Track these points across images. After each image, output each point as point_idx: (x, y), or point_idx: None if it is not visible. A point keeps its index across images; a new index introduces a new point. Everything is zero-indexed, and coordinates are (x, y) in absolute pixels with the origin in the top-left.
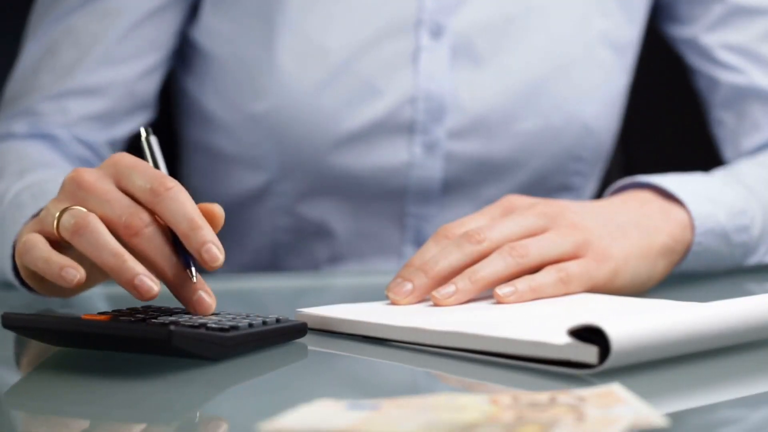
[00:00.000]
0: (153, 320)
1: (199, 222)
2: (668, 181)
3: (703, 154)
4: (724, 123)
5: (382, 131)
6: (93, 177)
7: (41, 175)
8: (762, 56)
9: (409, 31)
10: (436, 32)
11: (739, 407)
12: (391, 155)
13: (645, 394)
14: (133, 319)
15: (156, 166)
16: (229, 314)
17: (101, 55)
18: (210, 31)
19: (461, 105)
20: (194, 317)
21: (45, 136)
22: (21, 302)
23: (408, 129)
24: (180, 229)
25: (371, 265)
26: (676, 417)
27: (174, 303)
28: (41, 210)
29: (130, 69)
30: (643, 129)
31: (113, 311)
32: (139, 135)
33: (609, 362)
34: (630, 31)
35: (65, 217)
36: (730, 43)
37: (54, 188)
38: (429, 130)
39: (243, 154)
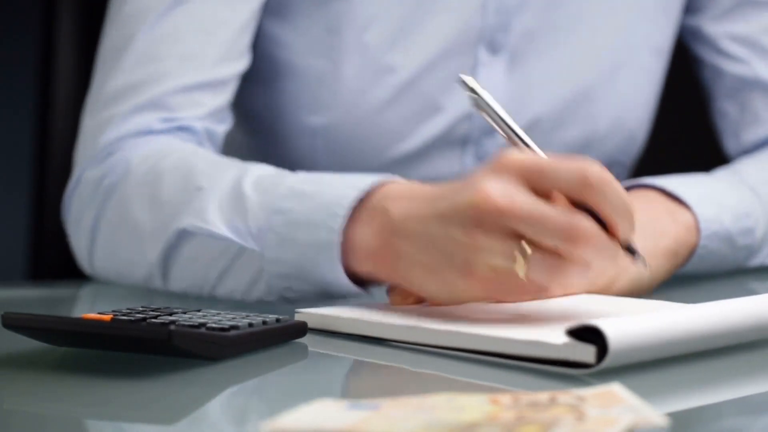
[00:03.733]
0: (153, 320)
1: (632, 211)
2: (673, 183)
3: (704, 153)
4: (727, 114)
5: (437, 146)
6: (507, 198)
7: (262, 167)
8: (767, 48)
9: (470, 48)
10: (494, 48)
11: (739, 407)
12: (443, 167)
13: (645, 394)
14: (133, 319)
15: (507, 126)
16: (229, 314)
17: (227, 45)
18: (270, 37)
19: (513, 116)
20: (194, 317)
21: (184, 128)
22: (21, 303)
23: (461, 142)
24: (615, 224)
25: None
26: (676, 417)
27: (174, 303)
28: (362, 202)
29: (244, 62)
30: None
31: (113, 311)
32: None
33: (606, 362)
34: (668, 33)
35: (533, 269)
36: (735, 33)
37: (320, 177)
38: (482, 142)
39: (289, 162)
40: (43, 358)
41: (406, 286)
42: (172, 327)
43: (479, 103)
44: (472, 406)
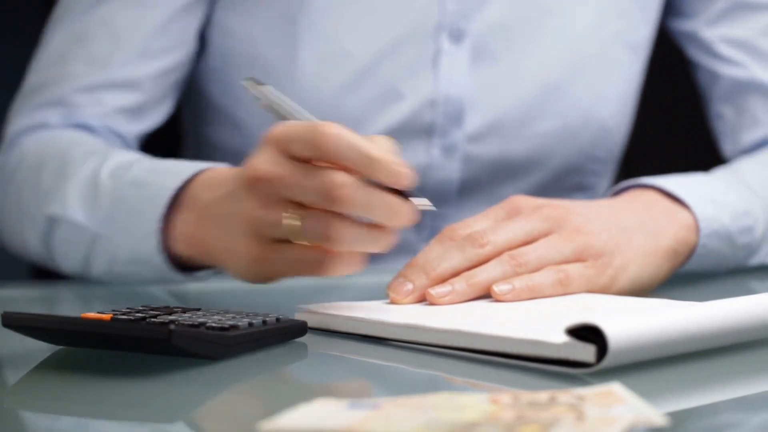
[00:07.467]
0: (153, 319)
1: (371, 152)
2: (672, 183)
3: (703, 153)
4: (724, 117)
5: (401, 134)
6: (267, 166)
7: (129, 154)
8: (762, 50)
9: (430, 35)
10: (457, 36)
11: (739, 407)
12: (409, 157)
13: (645, 394)
14: (132, 319)
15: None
16: (229, 313)
17: (137, 48)
18: (226, 31)
19: (480, 107)
20: (194, 316)
21: (80, 125)
22: (22, 302)
23: (427, 132)
24: (371, 174)
25: (386, 264)
26: (676, 417)
27: (174, 302)
28: (181, 190)
29: (163, 63)
30: (643, 127)
31: (113, 310)
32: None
33: (606, 361)
34: (644, 30)
35: (307, 232)
36: (730, 37)
37: (163, 164)
38: (448, 132)
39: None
40: (43, 358)
41: (224, 268)
42: (172, 326)
43: (258, 96)
44: (472, 405)
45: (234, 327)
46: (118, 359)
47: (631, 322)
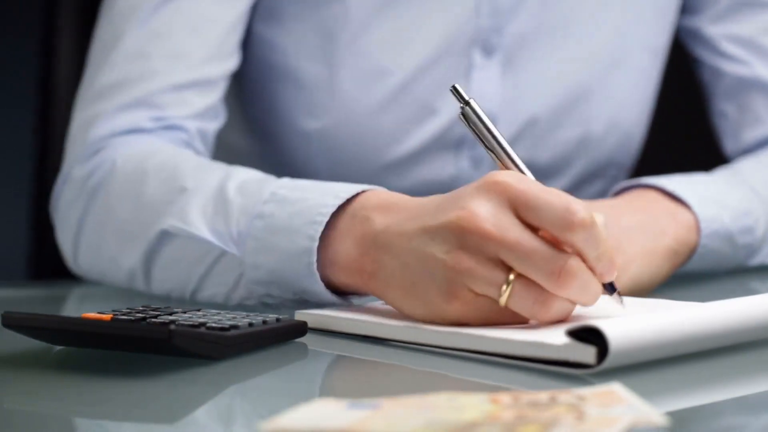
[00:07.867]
0: (153, 319)
1: (606, 250)
2: (673, 182)
3: (704, 153)
4: (726, 114)
5: (432, 148)
6: (494, 223)
7: (250, 171)
8: (766, 49)
9: (463, 50)
10: (488, 50)
11: (740, 407)
12: (438, 170)
13: (645, 394)
14: (133, 319)
15: (495, 140)
16: (229, 314)
17: (214, 44)
18: (265, 43)
19: (507, 117)
20: (194, 316)
21: (174, 127)
22: (22, 302)
23: (456, 145)
24: (596, 266)
25: None
26: (676, 417)
27: (173, 302)
28: (343, 210)
29: (229, 65)
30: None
31: (113, 311)
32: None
33: (607, 363)
34: (663, 35)
35: (515, 300)
36: (734, 34)
37: (304, 182)
38: (477, 145)
39: (286, 165)
40: (43, 358)
41: (381, 299)
42: (173, 326)
43: (466, 113)
44: (472, 405)
45: (234, 327)
46: (118, 359)
47: (632, 323)
